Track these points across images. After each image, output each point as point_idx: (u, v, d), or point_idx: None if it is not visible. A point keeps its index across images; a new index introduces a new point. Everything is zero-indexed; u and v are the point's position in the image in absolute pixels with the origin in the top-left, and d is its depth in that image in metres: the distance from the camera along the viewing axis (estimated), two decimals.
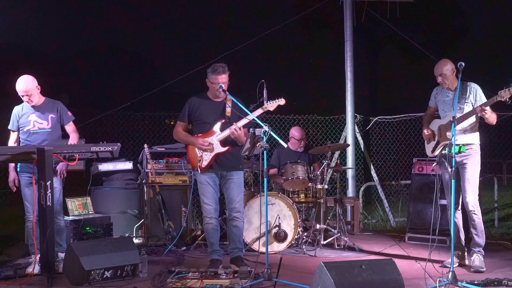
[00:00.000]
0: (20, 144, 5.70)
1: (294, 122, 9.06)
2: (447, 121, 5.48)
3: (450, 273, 4.72)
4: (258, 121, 5.21)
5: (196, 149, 5.48)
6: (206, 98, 5.57)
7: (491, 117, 5.30)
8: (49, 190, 5.03)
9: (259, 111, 5.41)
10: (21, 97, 5.67)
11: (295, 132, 7.47)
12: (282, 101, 5.50)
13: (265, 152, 4.96)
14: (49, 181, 5.03)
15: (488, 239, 6.01)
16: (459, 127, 5.37)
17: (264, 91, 5.54)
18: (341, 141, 9.10)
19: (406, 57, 21.27)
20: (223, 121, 5.47)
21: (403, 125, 9.40)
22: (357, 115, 9.11)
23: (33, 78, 5.69)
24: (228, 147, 5.43)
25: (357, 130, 9.08)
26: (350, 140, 8.93)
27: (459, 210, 5.60)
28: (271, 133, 5.01)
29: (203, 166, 5.45)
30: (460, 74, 5.25)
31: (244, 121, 5.35)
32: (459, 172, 5.52)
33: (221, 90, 5.37)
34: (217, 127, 5.46)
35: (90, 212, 6.97)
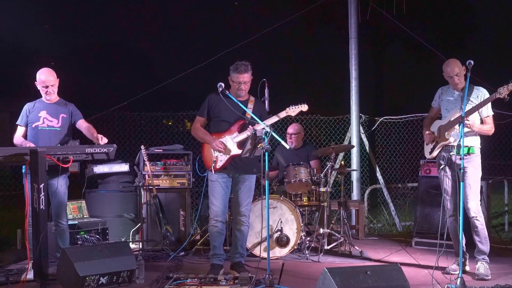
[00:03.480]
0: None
1: (297, 122, 9.05)
2: (446, 121, 5.50)
3: (459, 279, 4.73)
4: (259, 122, 5.22)
5: (212, 149, 5.50)
6: (226, 97, 5.55)
7: (483, 129, 5.37)
8: (42, 193, 5.04)
9: (281, 115, 5.45)
10: (43, 88, 5.71)
11: (289, 127, 7.59)
12: (305, 107, 5.52)
13: (266, 153, 4.97)
14: (42, 184, 5.04)
15: (498, 244, 6.03)
16: (458, 128, 5.35)
17: (266, 90, 5.56)
18: (346, 142, 9.10)
19: (413, 55, 21.24)
20: (242, 122, 5.47)
21: (410, 125, 9.40)
22: (362, 115, 9.11)
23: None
24: None
25: (362, 131, 9.08)
26: (354, 141, 8.93)
27: (456, 216, 5.55)
28: (273, 134, 5.02)
29: (217, 167, 5.47)
30: (469, 73, 5.24)
31: (262, 124, 5.31)
32: (459, 177, 5.52)
33: (220, 89, 5.38)
34: (235, 127, 5.47)
35: (85, 216, 6.98)
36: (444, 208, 5.58)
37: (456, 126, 5.33)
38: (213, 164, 5.46)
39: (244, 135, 5.40)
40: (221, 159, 5.45)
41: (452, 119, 5.41)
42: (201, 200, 6.79)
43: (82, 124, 5.91)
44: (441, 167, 5.57)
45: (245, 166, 5.51)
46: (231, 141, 5.44)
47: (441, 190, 5.69)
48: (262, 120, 5.34)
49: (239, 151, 5.42)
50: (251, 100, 5.54)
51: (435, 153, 5.62)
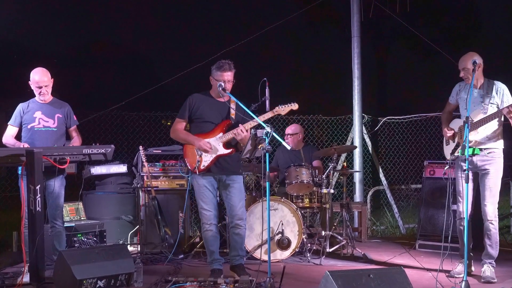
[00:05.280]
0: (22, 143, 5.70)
1: (298, 123, 9.05)
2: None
3: (463, 282, 4.72)
4: (260, 122, 5.22)
5: (195, 149, 5.46)
6: (209, 96, 5.53)
7: None
8: (39, 195, 5.04)
9: (269, 115, 5.41)
10: (36, 88, 5.73)
11: (287, 128, 7.59)
12: (295, 106, 5.48)
13: (267, 154, 4.96)
14: (39, 185, 5.04)
15: (503, 247, 6.00)
16: (481, 129, 5.31)
17: (266, 89, 5.54)
18: (348, 143, 9.10)
19: (416, 54, 21.26)
20: (228, 122, 5.46)
21: (414, 126, 9.40)
22: (365, 115, 9.11)
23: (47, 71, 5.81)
24: (231, 150, 5.41)
25: (364, 131, 9.08)
26: (357, 142, 8.93)
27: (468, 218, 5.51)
28: (274, 134, 5.01)
29: (201, 168, 5.42)
30: (474, 72, 5.23)
31: (252, 123, 5.31)
32: (478, 177, 5.49)
33: (220, 88, 5.36)
34: (220, 128, 5.45)
35: (82, 218, 6.98)
36: (457, 210, 5.50)
37: (480, 129, 5.27)
38: (197, 165, 5.41)
39: (230, 135, 5.38)
40: (206, 159, 5.41)
41: (475, 120, 5.30)
42: (186, 202, 6.76)
43: (72, 133, 5.97)
44: (458, 168, 5.48)
45: (231, 167, 5.49)
46: (217, 141, 5.42)
47: (445, 192, 5.67)
48: (246, 119, 5.33)
49: (225, 151, 5.41)
50: (233, 100, 5.51)
51: (457, 154, 5.49)
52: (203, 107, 5.49)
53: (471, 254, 5.62)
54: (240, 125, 5.33)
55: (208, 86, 5.57)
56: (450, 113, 5.80)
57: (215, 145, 5.41)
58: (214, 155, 5.41)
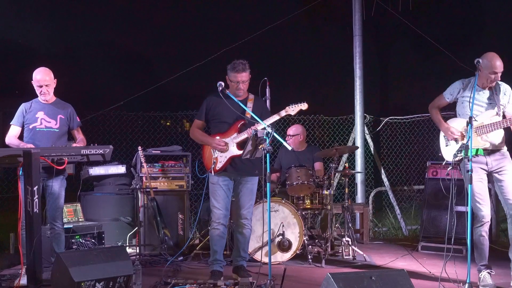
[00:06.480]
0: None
1: (299, 123, 9.04)
2: (478, 124, 5.17)
3: (467, 284, 4.71)
4: (261, 122, 5.22)
5: (212, 150, 5.50)
6: (226, 96, 5.54)
7: None
8: (36, 196, 5.03)
9: (281, 114, 5.44)
10: (38, 87, 5.74)
11: (288, 129, 7.59)
12: (304, 106, 5.50)
13: (268, 155, 4.96)
14: (36, 186, 5.04)
15: (507, 248, 5.99)
16: (492, 133, 5.19)
17: (267, 89, 5.56)
18: (350, 143, 9.10)
19: (419, 53, 21.24)
20: (242, 122, 5.47)
21: (416, 126, 9.40)
22: (367, 115, 9.11)
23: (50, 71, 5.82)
24: None
25: (366, 132, 9.09)
26: (359, 142, 8.93)
27: (488, 222, 5.34)
28: (275, 134, 5.01)
29: (217, 168, 5.47)
30: (478, 72, 5.19)
31: (267, 122, 5.33)
32: (492, 177, 5.36)
33: (220, 88, 5.39)
34: (234, 128, 5.48)
35: (80, 220, 6.99)
36: (477, 213, 5.28)
37: (495, 132, 5.15)
38: (213, 166, 5.47)
39: (243, 136, 5.40)
40: (221, 160, 5.46)
41: (486, 122, 5.16)
42: (202, 203, 6.78)
43: (76, 135, 5.97)
44: (471, 171, 5.32)
45: (246, 167, 5.51)
46: (231, 142, 5.45)
47: (448, 193, 5.63)
48: (262, 119, 5.34)
49: (238, 152, 5.43)
50: (250, 98, 5.54)
51: (459, 156, 5.31)
52: (219, 108, 5.53)
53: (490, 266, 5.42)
54: (252, 127, 5.34)
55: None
56: (440, 108, 5.59)
57: (230, 145, 5.44)
58: (228, 156, 5.44)
